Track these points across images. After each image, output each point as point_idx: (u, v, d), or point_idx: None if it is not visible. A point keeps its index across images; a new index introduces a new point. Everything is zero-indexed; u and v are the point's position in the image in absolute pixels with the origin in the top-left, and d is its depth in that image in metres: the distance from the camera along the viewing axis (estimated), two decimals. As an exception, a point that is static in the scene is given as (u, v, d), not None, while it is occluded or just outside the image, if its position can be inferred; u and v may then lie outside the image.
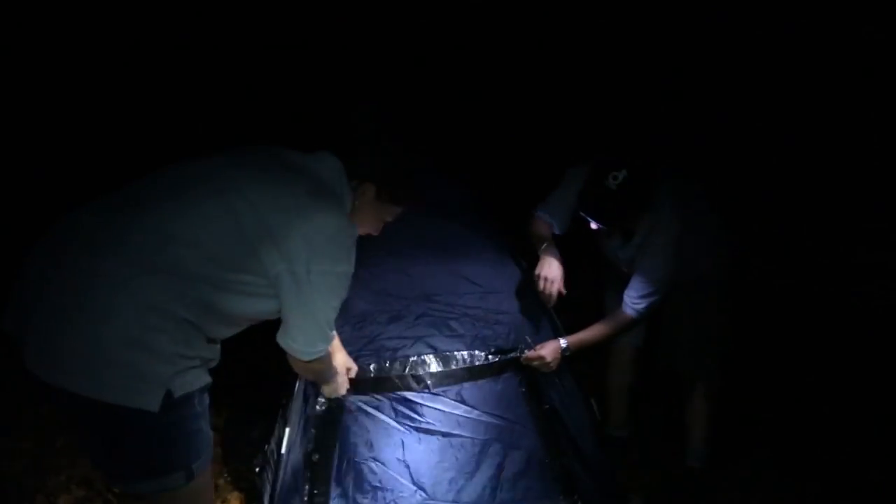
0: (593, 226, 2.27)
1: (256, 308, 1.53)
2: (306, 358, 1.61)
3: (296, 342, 1.57)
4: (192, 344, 1.43)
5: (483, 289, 2.51)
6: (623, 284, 2.42)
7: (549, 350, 2.29)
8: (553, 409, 2.25)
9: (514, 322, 2.41)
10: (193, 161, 1.57)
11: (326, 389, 2.02)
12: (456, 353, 2.25)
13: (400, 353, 2.21)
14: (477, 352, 2.27)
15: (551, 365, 2.28)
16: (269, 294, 1.50)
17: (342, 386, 2.03)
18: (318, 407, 2.11)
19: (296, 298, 1.49)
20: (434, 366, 2.24)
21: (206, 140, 1.68)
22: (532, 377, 2.32)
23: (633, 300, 2.33)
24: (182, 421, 1.43)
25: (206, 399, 1.53)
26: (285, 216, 1.45)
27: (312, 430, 2.10)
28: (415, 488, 2.18)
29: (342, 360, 2.07)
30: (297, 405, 2.14)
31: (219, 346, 1.58)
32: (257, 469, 2.28)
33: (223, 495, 2.48)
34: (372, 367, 2.17)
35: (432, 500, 2.20)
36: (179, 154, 1.62)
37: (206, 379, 1.51)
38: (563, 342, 2.33)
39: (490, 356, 2.28)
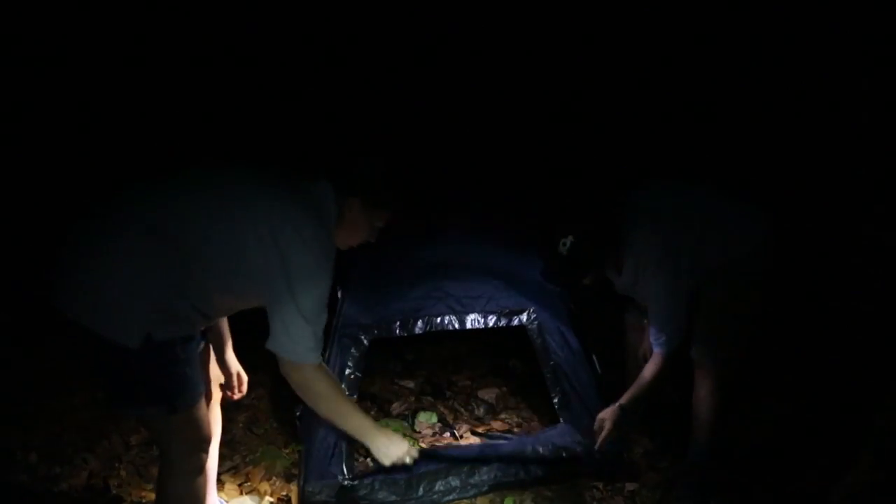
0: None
1: (246, 303, 1.80)
2: (293, 357, 1.72)
3: (279, 341, 1.70)
4: (177, 307, 1.67)
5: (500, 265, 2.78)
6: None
7: (611, 420, 2.38)
8: (557, 365, 2.51)
9: (525, 291, 2.68)
10: (216, 169, 1.82)
11: (383, 454, 1.92)
12: (470, 314, 2.55)
13: (422, 312, 2.49)
14: (490, 316, 2.57)
15: (610, 428, 2.38)
16: (259, 293, 1.74)
17: (398, 448, 1.92)
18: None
19: (279, 300, 1.69)
20: (454, 325, 2.53)
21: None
22: (542, 336, 2.58)
23: (657, 339, 2.33)
24: (162, 362, 1.67)
25: (192, 348, 1.73)
26: (284, 228, 1.67)
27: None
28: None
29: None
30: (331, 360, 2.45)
31: (209, 317, 1.79)
32: (298, 414, 2.60)
33: (271, 437, 2.84)
34: (397, 324, 2.47)
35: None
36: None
37: (189, 331, 1.71)
38: (619, 403, 2.39)
39: (502, 318, 2.56)
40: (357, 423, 1.90)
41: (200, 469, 1.90)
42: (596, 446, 2.38)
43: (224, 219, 1.67)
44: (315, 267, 1.69)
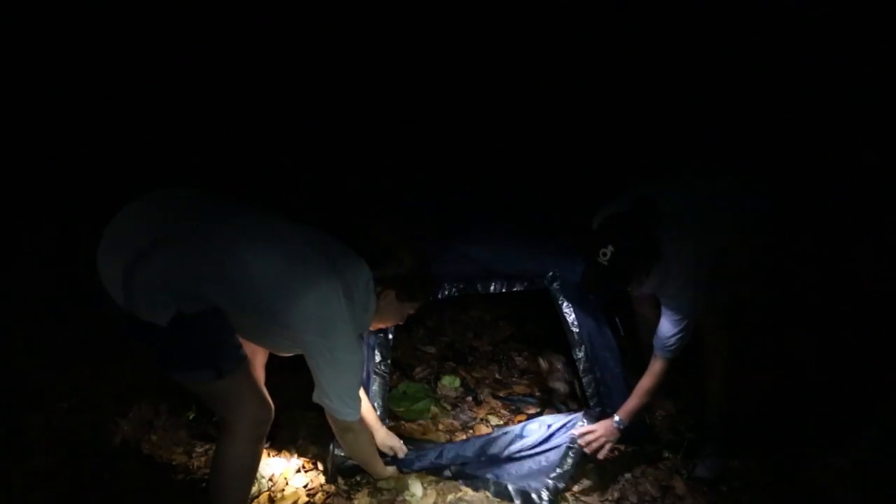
0: None
1: (265, 341, 1.92)
2: (338, 416, 1.91)
3: (328, 399, 1.86)
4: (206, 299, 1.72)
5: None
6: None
7: (603, 427, 2.37)
8: (580, 328, 2.53)
9: (548, 255, 2.65)
10: (281, 221, 1.86)
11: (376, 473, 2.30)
12: (493, 279, 2.55)
13: (444, 278, 2.48)
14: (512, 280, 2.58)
15: (605, 442, 2.35)
16: (285, 344, 1.90)
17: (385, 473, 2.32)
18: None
19: (319, 364, 1.79)
20: (476, 290, 2.53)
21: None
22: (565, 300, 2.58)
23: (664, 342, 2.34)
24: (196, 332, 1.73)
25: (225, 317, 1.78)
26: (322, 300, 1.73)
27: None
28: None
29: (383, 436, 2.36)
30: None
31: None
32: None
33: (294, 402, 2.88)
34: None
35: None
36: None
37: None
38: (616, 418, 2.39)
39: (525, 282, 2.58)
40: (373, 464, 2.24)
41: (259, 438, 1.95)
42: (587, 451, 2.37)
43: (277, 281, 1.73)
44: (350, 360, 1.82)
